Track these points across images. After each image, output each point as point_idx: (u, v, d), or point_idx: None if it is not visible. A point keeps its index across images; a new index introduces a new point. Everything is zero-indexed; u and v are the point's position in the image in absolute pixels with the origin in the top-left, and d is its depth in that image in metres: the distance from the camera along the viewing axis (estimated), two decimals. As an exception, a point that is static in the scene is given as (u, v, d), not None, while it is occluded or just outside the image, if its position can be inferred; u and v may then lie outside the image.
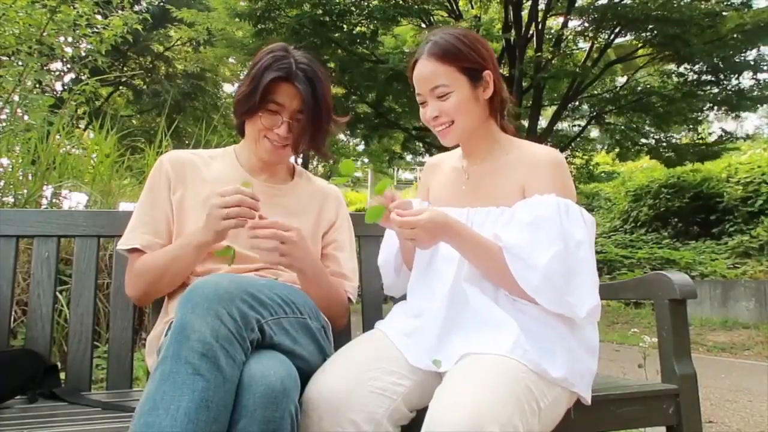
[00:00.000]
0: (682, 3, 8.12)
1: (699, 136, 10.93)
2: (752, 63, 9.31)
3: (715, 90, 9.66)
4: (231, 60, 11.84)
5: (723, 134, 10.59)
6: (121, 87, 14.40)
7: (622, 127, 10.90)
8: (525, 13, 9.55)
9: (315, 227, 1.48)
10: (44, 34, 3.58)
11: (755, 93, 9.46)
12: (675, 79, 10.14)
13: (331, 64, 9.12)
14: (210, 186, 1.41)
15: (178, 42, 13.48)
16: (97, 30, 3.95)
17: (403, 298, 1.45)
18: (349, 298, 1.47)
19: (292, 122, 1.37)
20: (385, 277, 1.53)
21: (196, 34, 9.48)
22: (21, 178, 3.03)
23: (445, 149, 1.48)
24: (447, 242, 1.21)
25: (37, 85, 3.72)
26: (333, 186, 1.60)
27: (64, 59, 4.16)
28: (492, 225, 1.25)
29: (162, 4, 10.42)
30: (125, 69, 13.43)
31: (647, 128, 10.95)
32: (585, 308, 1.15)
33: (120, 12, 4.01)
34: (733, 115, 10.31)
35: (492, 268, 1.21)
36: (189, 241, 1.29)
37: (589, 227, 1.21)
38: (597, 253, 1.21)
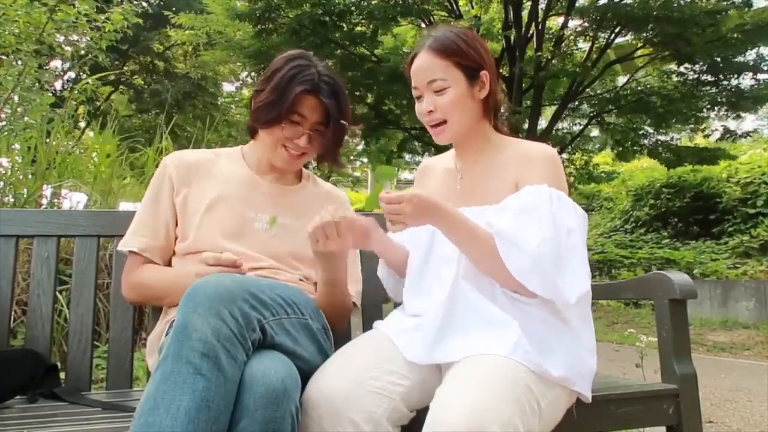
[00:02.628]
0: (682, 2, 8.12)
1: (703, 134, 10.90)
2: (752, 63, 9.30)
3: (715, 90, 9.65)
4: (231, 60, 11.81)
5: (725, 132, 10.56)
6: (121, 86, 14.40)
7: (622, 127, 10.90)
8: (525, 13, 9.55)
9: None
10: (44, 33, 3.58)
11: (755, 92, 9.45)
12: (675, 78, 10.14)
13: (331, 65, 9.10)
14: (215, 182, 1.41)
15: (178, 42, 13.48)
16: (97, 26, 3.95)
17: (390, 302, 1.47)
18: (354, 303, 1.48)
19: (312, 133, 1.38)
20: (385, 285, 1.56)
21: (195, 38, 9.48)
22: (21, 177, 3.03)
23: (441, 150, 1.49)
24: (435, 224, 1.20)
25: (36, 83, 3.72)
26: (339, 190, 1.61)
27: (64, 57, 4.16)
28: (485, 222, 1.25)
29: (161, 3, 10.40)
30: (125, 68, 13.44)
31: (647, 128, 10.95)
32: (575, 293, 1.14)
33: (118, 8, 4.01)
34: (734, 115, 10.30)
35: (483, 254, 1.20)
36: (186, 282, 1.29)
37: (580, 219, 1.21)
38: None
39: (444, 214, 1.18)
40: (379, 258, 1.52)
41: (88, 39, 3.99)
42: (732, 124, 10.96)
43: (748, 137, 11.23)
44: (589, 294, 1.16)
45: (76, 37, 4.00)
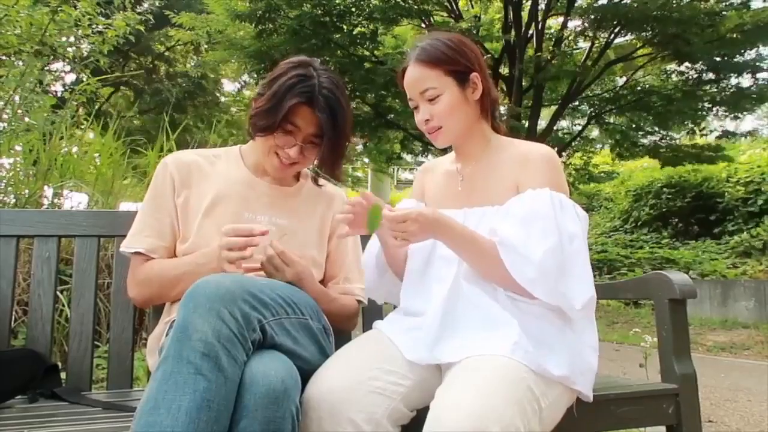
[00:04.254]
0: (682, 2, 8.12)
1: (701, 134, 10.89)
2: (752, 63, 9.29)
3: (715, 89, 9.65)
4: (232, 60, 11.83)
5: (723, 133, 10.56)
6: (122, 87, 14.41)
7: (622, 127, 10.90)
8: (525, 13, 9.55)
9: (321, 228, 1.48)
10: (46, 34, 3.58)
11: (754, 91, 9.43)
12: (675, 78, 10.14)
13: (332, 66, 9.11)
14: (214, 183, 1.41)
15: (179, 42, 13.49)
16: (99, 30, 3.95)
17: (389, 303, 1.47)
18: (359, 300, 1.48)
19: (304, 145, 1.36)
20: (366, 280, 1.51)
21: (196, 37, 9.49)
22: (22, 178, 3.04)
23: (441, 151, 1.49)
24: (439, 239, 1.22)
25: (38, 85, 3.72)
26: (338, 189, 1.60)
27: (66, 59, 4.16)
28: (488, 224, 1.26)
29: (162, 3, 10.39)
30: (126, 69, 13.44)
31: (647, 128, 10.95)
32: (581, 300, 1.15)
33: (122, 13, 4.01)
34: (732, 115, 10.30)
35: (486, 265, 1.21)
36: (208, 261, 1.28)
37: (582, 222, 1.22)
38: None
39: (447, 229, 1.19)
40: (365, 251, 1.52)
41: (91, 44, 3.98)
42: (731, 125, 10.97)
43: (748, 137, 11.24)
44: (593, 299, 1.17)
45: (76, 39, 3.99)
